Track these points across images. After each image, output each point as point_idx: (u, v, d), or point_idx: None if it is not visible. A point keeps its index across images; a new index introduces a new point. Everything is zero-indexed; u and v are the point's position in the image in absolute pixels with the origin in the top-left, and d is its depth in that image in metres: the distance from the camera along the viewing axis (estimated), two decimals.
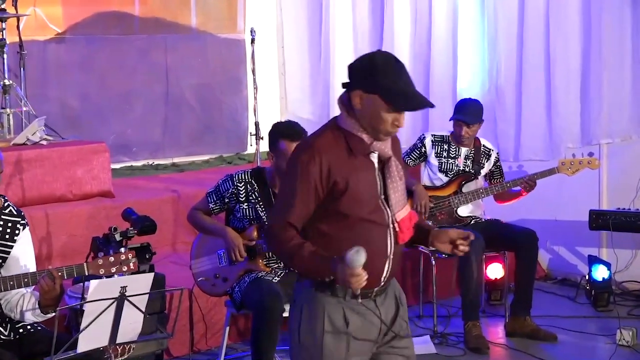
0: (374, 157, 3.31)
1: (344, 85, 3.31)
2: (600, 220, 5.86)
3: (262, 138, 7.25)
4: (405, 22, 8.55)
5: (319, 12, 9.45)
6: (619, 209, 5.98)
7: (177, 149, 9.09)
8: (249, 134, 8.14)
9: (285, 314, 5.03)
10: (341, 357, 3.31)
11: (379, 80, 3.19)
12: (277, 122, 5.33)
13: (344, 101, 3.32)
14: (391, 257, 3.34)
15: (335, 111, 9.63)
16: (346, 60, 9.03)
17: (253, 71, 7.52)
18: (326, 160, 3.21)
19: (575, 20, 7.31)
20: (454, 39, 8.17)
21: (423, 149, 6.47)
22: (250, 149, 8.63)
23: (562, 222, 7.13)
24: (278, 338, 4.92)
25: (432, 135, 6.52)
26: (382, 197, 3.31)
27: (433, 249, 3.55)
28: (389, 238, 3.32)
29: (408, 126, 8.56)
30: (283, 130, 5.12)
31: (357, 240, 3.17)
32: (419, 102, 3.25)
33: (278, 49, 9.95)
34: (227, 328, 5.34)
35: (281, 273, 5.16)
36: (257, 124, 7.40)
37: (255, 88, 7.50)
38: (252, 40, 7.57)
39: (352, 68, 3.29)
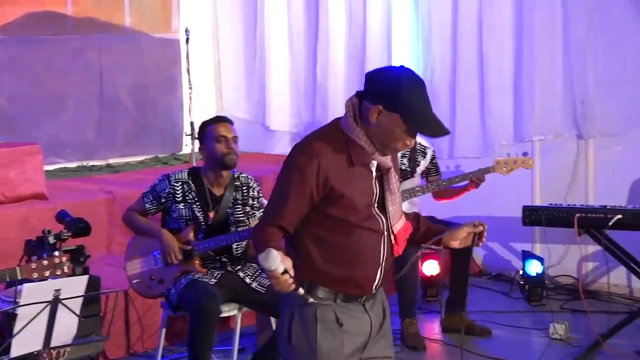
0: (373, 166, 3.24)
1: (359, 93, 3.21)
2: (533, 215, 5.93)
3: (197, 138, 7.20)
4: (340, 22, 8.59)
5: (253, 12, 9.45)
6: (551, 204, 6.06)
7: (111, 149, 9.01)
8: (184, 134, 8.11)
9: (223, 315, 5.04)
10: (338, 354, 3.25)
11: (403, 101, 3.08)
12: (205, 120, 5.38)
13: (354, 107, 3.21)
14: (383, 265, 3.29)
15: (272, 110, 9.72)
16: (281, 59, 9.17)
17: (188, 71, 7.49)
18: (324, 164, 3.12)
19: (507, 20, 7.41)
20: (388, 39, 8.23)
21: None
22: (186, 149, 8.62)
23: (496, 218, 7.21)
24: (215, 339, 4.91)
25: None
26: (376, 205, 3.25)
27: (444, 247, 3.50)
28: (382, 246, 3.27)
29: None
30: (208, 120, 5.27)
31: (350, 246, 3.17)
32: (439, 130, 3.16)
33: (213, 49, 9.93)
34: (164, 330, 5.31)
35: (218, 274, 5.14)
36: (192, 124, 7.37)
37: (190, 88, 7.47)
38: (187, 40, 7.54)
39: (375, 82, 3.17)
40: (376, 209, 3.24)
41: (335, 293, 3.23)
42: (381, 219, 3.26)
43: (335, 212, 3.16)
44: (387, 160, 3.24)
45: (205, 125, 5.24)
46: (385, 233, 3.27)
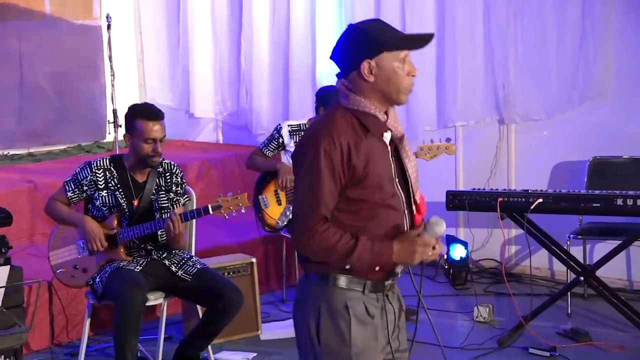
0: (387, 139, 3.14)
1: (338, 74, 3.15)
2: (456, 200, 5.99)
3: (120, 126, 7.14)
4: (263, 8, 8.58)
5: None
6: (474, 189, 6.13)
7: (33, 138, 8.86)
8: (107, 122, 8.02)
9: (149, 304, 5.00)
10: (372, 349, 3.12)
11: (378, 38, 3.05)
12: (133, 104, 5.30)
13: (349, 85, 3.11)
14: None
15: (196, 97, 9.66)
16: (205, 46, 9.12)
17: (110, 58, 7.39)
18: (345, 144, 3.01)
19: (430, 5, 7.47)
20: (312, 25, 8.24)
21: (281, 140, 6.46)
22: (109, 137, 8.51)
23: None
24: (141, 328, 4.88)
25: (288, 125, 6.51)
26: (396, 180, 3.15)
27: None
28: (405, 224, 3.14)
29: (268, 111, 8.64)
30: (139, 111, 5.12)
31: (376, 228, 3.06)
32: (422, 35, 3.13)
33: (136, 35, 9.85)
34: (88, 320, 5.24)
35: (143, 262, 5.10)
36: (115, 112, 7.28)
37: (113, 75, 7.37)
38: (109, 27, 7.43)
39: (343, 51, 3.12)
40: (397, 184, 3.15)
41: (364, 281, 3.09)
42: (401, 195, 3.15)
43: (359, 194, 3.05)
44: (398, 128, 3.16)
45: (134, 115, 5.09)
46: (406, 211, 3.16)
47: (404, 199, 3.15)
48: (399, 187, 3.15)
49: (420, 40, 3.14)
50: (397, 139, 3.18)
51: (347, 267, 3.04)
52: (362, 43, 3.07)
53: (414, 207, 3.19)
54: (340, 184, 3.03)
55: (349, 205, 3.06)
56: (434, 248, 3.07)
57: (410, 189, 3.18)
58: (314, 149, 3.02)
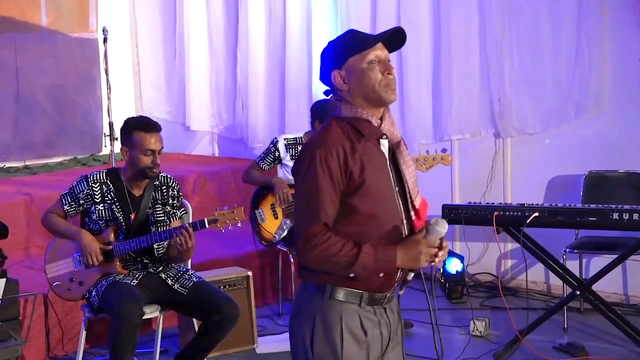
0: (385, 147, 3.13)
1: (326, 92, 3.20)
2: (452, 214, 5.99)
3: (116, 139, 7.11)
4: (260, 21, 8.60)
5: (172, 11, 9.42)
6: (470, 203, 6.13)
7: (29, 151, 8.87)
8: (103, 135, 8.01)
9: (145, 317, 4.99)
10: None
11: (342, 47, 3.10)
12: (129, 118, 5.28)
13: (337, 97, 3.15)
14: None
15: (192, 110, 9.68)
16: (201, 59, 9.12)
17: (106, 71, 7.40)
18: (341, 151, 3.00)
19: (425, 18, 7.50)
20: (308, 38, 8.26)
21: (277, 153, 6.47)
22: (105, 150, 8.50)
23: None
24: (137, 342, 4.86)
25: (284, 139, 6.52)
26: (396, 189, 3.13)
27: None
28: (403, 231, 3.12)
29: (264, 124, 8.65)
30: (136, 123, 5.11)
31: (372, 237, 3.02)
32: (385, 31, 3.10)
33: (132, 48, 9.86)
34: (84, 333, 5.24)
35: (139, 275, 5.10)
36: (111, 125, 7.28)
37: (109, 88, 7.38)
38: (105, 40, 7.44)
39: (320, 67, 3.18)
40: (396, 192, 3.13)
41: (361, 294, 3.08)
42: (399, 204, 3.12)
43: (357, 201, 3.03)
44: (395, 133, 3.15)
45: (131, 127, 5.08)
46: (405, 220, 3.13)
47: (401, 206, 3.14)
48: (398, 194, 3.14)
49: (377, 37, 3.10)
50: (394, 145, 3.16)
51: (351, 275, 3.02)
52: (328, 58, 3.15)
53: (412, 214, 3.16)
54: (340, 190, 3.01)
55: (347, 213, 3.04)
56: (439, 248, 3.06)
57: (408, 196, 3.16)
58: (310, 159, 3.02)
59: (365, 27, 7.78)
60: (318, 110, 6.34)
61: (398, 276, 3.13)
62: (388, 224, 3.08)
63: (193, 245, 4.97)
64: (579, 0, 6.76)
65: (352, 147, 3.04)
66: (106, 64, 7.40)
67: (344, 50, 3.10)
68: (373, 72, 3.07)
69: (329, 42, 3.19)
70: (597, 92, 6.81)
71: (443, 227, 3.03)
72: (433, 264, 3.10)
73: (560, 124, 7.01)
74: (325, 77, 3.18)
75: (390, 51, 3.14)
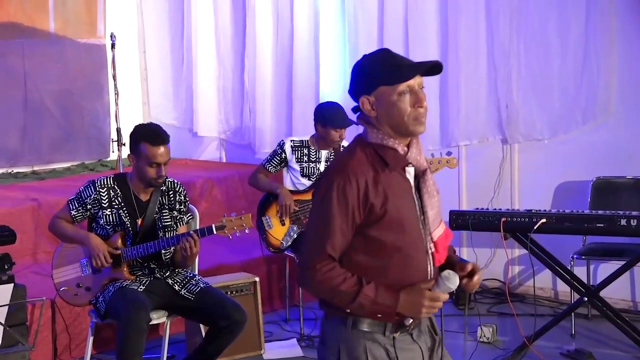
0: (410, 174, 3.05)
1: (354, 109, 3.09)
2: (460, 220, 5.98)
3: (124, 144, 7.15)
4: (267, 26, 8.60)
5: (180, 17, 9.43)
6: (477, 209, 6.12)
7: (37, 156, 8.89)
8: (110, 140, 8.03)
9: (152, 322, 5.00)
10: None
11: (374, 74, 2.99)
12: (139, 125, 5.25)
13: (364, 119, 3.06)
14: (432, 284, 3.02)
15: (199, 116, 9.71)
16: (208, 65, 9.14)
17: (114, 77, 7.41)
18: (363, 181, 2.92)
19: (433, 24, 7.50)
20: (316, 43, 8.27)
21: (283, 155, 6.48)
22: (113, 156, 8.53)
23: None
24: (144, 347, 4.86)
25: (291, 140, 6.53)
26: (422, 218, 3.04)
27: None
28: (428, 264, 3.05)
29: (272, 130, 8.65)
30: (145, 133, 5.07)
31: (396, 269, 2.96)
32: (423, 63, 2.99)
33: (140, 54, 9.88)
34: (91, 338, 5.24)
35: (146, 281, 5.10)
36: (118, 130, 7.30)
37: (117, 94, 7.39)
38: (113, 45, 7.46)
39: (350, 88, 3.07)
40: (422, 222, 3.04)
41: (384, 323, 3.00)
42: (424, 233, 3.05)
43: (379, 233, 2.95)
44: (422, 161, 3.06)
45: (139, 137, 5.05)
46: (429, 246, 3.06)
47: (425, 236, 3.06)
48: (424, 224, 3.06)
49: (411, 71, 2.98)
50: (419, 173, 3.08)
51: (347, 311, 2.97)
52: (359, 79, 3.04)
53: (431, 246, 3.07)
54: (353, 222, 2.94)
55: (368, 246, 2.97)
56: (471, 278, 3.04)
57: (427, 227, 3.06)
58: (329, 185, 2.95)
59: (372, 33, 7.81)
60: (318, 113, 6.38)
61: (404, 321, 3.03)
62: (413, 256, 3.01)
63: (197, 251, 4.97)
64: (586, 6, 6.76)
65: (375, 177, 2.96)
66: (114, 69, 7.42)
67: (375, 78, 2.99)
68: (403, 104, 2.96)
69: (363, 57, 3.07)
70: (605, 99, 6.80)
71: (453, 284, 2.94)
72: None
73: (567, 130, 7.00)
74: (351, 95, 3.09)
75: (424, 75, 3.03)
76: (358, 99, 3.05)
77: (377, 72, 2.99)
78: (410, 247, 3.00)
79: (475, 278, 3.07)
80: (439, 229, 3.10)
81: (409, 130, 3.00)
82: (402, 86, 2.97)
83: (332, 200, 2.92)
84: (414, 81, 2.99)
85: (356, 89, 3.05)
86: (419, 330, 3.11)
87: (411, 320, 3.02)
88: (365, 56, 3.07)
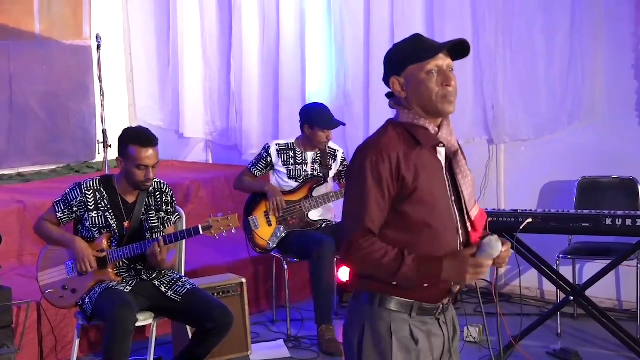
0: (441, 155, 3.09)
1: (388, 95, 3.14)
2: None
3: (110, 146, 7.15)
4: (253, 27, 8.60)
5: (166, 18, 9.42)
6: None
7: (22, 158, 8.86)
8: (96, 142, 8.01)
9: (138, 324, 4.99)
10: None
11: (403, 55, 3.06)
12: (128, 128, 5.28)
13: (396, 101, 3.11)
14: None
15: (186, 117, 9.67)
16: (195, 66, 9.13)
17: (100, 78, 7.39)
18: (395, 156, 2.95)
19: (419, 25, 7.49)
20: (302, 44, 8.26)
21: (269, 159, 6.47)
22: (99, 157, 8.51)
23: None
24: (130, 349, 4.85)
25: (276, 144, 6.52)
26: (452, 198, 3.07)
27: None
28: (459, 242, 3.07)
29: (258, 131, 8.64)
30: (133, 136, 5.08)
31: (425, 246, 2.97)
32: (448, 42, 3.06)
33: (125, 56, 9.86)
34: (78, 340, 5.23)
35: (132, 282, 5.09)
36: (104, 132, 7.28)
37: (102, 95, 7.38)
38: (98, 47, 7.45)
39: (384, 70, 3.13)
40: (452, 202, 3.07)
41: (412, 304, 3.03)
42: (455, 213, 3.07)
43: (410, 209, 2.98)
44: (453, 142, 3.10)
45: (128, 139, 5.05)
46: (460, 225, 3.08)
47: (458, 217, 3.09)
48: (454, 204, 3.09)
49: (438, 48, 3.05)
50: (451, 154, 3.11)
51: (394, 283, 2.98)
52: (389, 61, 3.11)
53: (468, 225, 3.10)
54: (389, 195, 2.97)
55: (400, 221, 2.99)
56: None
57: (464, 206, 3.10)
58: (361, 161, 2.99)
59: (358, 34, 7.81)
60: (304, 114, 6.39)
61: (451, 288, 3.07)
62: (442, 234, 3.03)
63: (163, 259, 4.96)
64: (572, 8, 6.78)
65: (407, 153, 2.99)
66: (100, 71, 7.40)
67: (404, 58, 3.06)
68: (431, 83, 3.02)
69: (393, 45, 3.15)
70: (590, 100, 6.82)
71: (496, 250, 2.95)
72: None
73: (553, 131, 7.02)
74: (384, 80, 3.15)
75: (454, 59, 3.11)
76: (387, 83, 3.11)
77: (406, 52, 3.07)
78: (440, 225, 3.02)
79: (504, 250, 3.03)
80: (475, 208, 3.14)
81: (438, 109, 3.05)
82: (431, 65, 3.03)
83: (367, 175, 2.95)
84: (443, 62, 3.05)
85: (386, 72, 3.11)
86: (444, 317, 3.13)
87: (458, 287, 3.06)
88: (395, 45, 3.15)
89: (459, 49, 3.11)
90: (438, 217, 3.02)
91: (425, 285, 2.98)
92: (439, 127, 3.08)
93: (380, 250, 2.94)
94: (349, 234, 2.98)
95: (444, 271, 2.93)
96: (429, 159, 3.05)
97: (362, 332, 3.05)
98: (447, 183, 3.08)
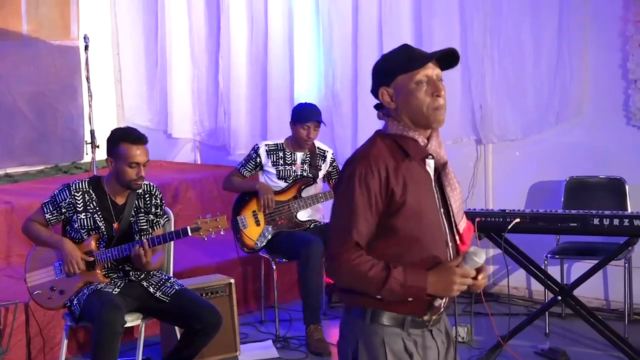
0: (430, 167, 3.07)
1: (376, 106, 3.13)
2: None
3: (98, 146, 7.13)
4: (241, 27, 8.60)
5: (154, 18, 9.40)
6: None
7: (10, 159, 8.83)
8: (84, 143, 7.99)
9: (127, 325, 4.98)
10: None
11: (392, 65, 3.04)
12: (116, 128, 5.29)
13: (385, 113, 3.09)
14: None
15: (174, 117, 9.65)
16: (183, 66, 9.12)
17: (87, 78, 7.38)
18: (384, 169, 2.93)
19: (407, 26, 7.50)
20: (290, 44, 8.26)
21: (258, 160, 6.47)
22: (87, 158, 8.48)
23: None
24: (119, 350, 4.85)
25: (265, 145, 6.52)
26: (442, 210, 3.05)
27: None
28: (448, 256, 3.04)
29: (246, 131, 8.64)
30: (123, 134, 5.09)
31: (414, 260, 2.95)
32: (437, 51, 3.04)
33: (113, 56, 9.84)
34: (66, 341, 5.22)
35: (121, 283, 5.08)
36: (92, 132, 7.27)
37: (90, 96, 7.36)
38: (86, 47, 7.43)
39: (372, 85, 3.12)
40: (442, 214, 3.05)
41: (403, 317, 3.01)
42: (444, 226, 3.05)
43: (398, 222, 2.95)
44: (442, 154, 3.08)
45: (118, 138, 5.05)
46: (450, 243, 3.06)
47: (447, 229, 3.07)
48: (444, 217, 3.06)
49: (427, 57, 3.04)
50: (440, 166, 3.10)
51: (378, 297, 2.95)
52: (378, 72, 3.09)
53: (457, 238, 3.09)
54: (377, 209, 2.94)
55: (389, 234, 2.97)
56: (475, 278, 2.97)
57: (452, 219, 3.08)
58: (350, 174, 2.96)
59: (346, 35, 7.81)
60: (294, 113, 6.43)
61: (444, 300, 3.05)
62: (432, 247, 3.00)
63: (148, 261, 4.96)
64: (560, 9, 6.79)
65: (396, 165, 2.97)
66: (87, 71, 7.39)
67: (393, 68, 3.03)
68: (421, 93, 3.00)
69: (382, 55, 3.13)
70: (578, 100, 6.83)
71: (480, 259, 2.93)
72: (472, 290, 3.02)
73: (541, 131, 7.03)
74: (374, 90, 3.12)
75: (442, 69, 3.08)
76: (375, 95, 3.09)
77: (395, 62, 3.04)
78: (429, 237, 3.00)
79: (480, 277, 3.02)
80: (463, 221, 3.12)
81: (428, 121, 3.03)
82: (420, 75, 3.01)
83: (355, 188, 2.93)
84: (432, 71, 3.03)
85: (376, 84, 3.09)
86: (437, 329, 3.13)
87: (441, 301, 3.02)
88: (383, 55, 3.13)
89: (448, 59, 3.09)
90: (427, 230, 3.00)
91: (410, 299, 2.96)
92: (428, 138, 3.06)
93: (366, 263, 2.92)
94: (336, 248, 2.96)
95: (429, 285, 2.91)
96: (418, 171, 3.03)
97: (357, 348, 3.03)
98: (436, 195, 3.07)
